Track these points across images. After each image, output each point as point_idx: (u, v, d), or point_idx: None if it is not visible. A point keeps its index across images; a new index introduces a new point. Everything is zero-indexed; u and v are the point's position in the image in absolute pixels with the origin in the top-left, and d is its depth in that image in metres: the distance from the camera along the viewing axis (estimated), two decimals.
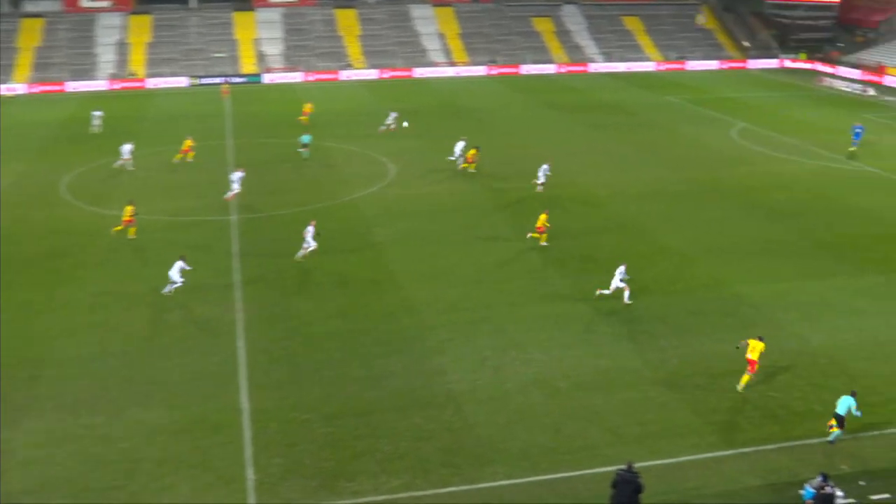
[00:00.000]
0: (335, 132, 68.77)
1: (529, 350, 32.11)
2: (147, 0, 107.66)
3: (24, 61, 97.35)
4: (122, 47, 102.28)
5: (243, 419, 27.44)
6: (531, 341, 32.81)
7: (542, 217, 42.96)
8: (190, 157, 58.86)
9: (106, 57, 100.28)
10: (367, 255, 41.83)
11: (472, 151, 56.96)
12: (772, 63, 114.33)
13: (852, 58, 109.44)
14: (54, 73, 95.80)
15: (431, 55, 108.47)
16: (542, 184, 51.76)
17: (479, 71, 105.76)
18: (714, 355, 31.84)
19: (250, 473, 24.75)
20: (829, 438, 26.30)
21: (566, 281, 38.83)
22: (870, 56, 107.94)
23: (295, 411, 27.92)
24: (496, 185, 54.21)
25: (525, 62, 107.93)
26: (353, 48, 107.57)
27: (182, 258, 36.77)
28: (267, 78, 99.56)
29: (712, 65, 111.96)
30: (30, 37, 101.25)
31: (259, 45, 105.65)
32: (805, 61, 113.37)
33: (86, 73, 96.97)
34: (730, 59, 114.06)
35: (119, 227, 43.37)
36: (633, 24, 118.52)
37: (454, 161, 57.62)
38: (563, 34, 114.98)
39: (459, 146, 57.92)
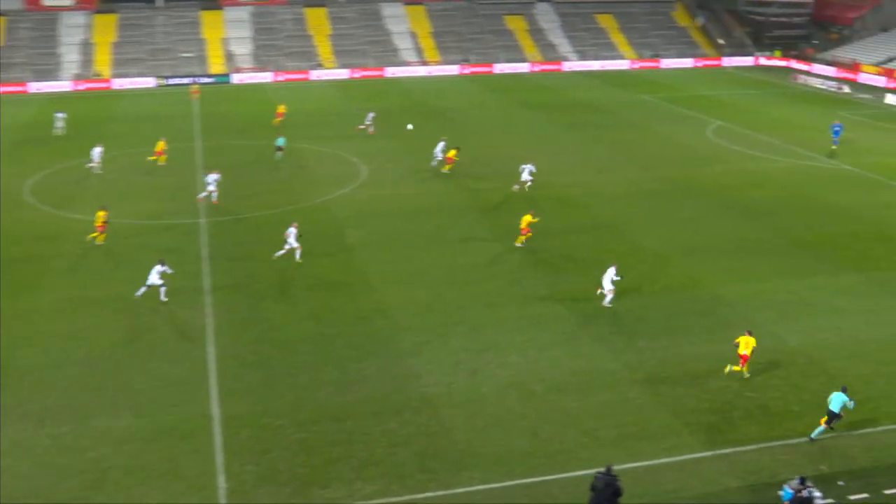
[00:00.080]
0: (306, 133, 68.53)
1: (505, 352, 32.12)
2: None
3: None
4: (87, 47, 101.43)
5: (214, 426, 27.24)
6: (507, 343, 32.82)
7: (527, 218, 43.03)
8: (162, 160, 58.22)
9: (70, 57, 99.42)
10: (340, 257, 41.70)
11: (453, 152, 57.02)
12: (747, 61, 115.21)
13: (827, 55, 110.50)
14: (16, 74, 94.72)
15: (403, 54, 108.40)
16: (525, 183, 51.71)
17: (452, 70, 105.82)
18: (692, 356, 31.99)
19: (222, 481, 24.56)
20: (812, 435, 26.58)
21: (542, 282, 38.88)
22: (844, 53, 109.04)
23: (267, 417, 27.76)
24: (471, 185, 54.24)
25: (498, 61, 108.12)
26: (324, 48, 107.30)
27: (161, 262, 36.51)
28: (236, 78, 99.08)
29: (687, 63, 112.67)
30: None
31: (227, 44, 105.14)
32: (780, 59, 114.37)
33: (49, 73, 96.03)
34: (704, 57, 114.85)
35: (94, 234, 42.92)
36: (606, 21, 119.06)
37: (439, 163, 57.72)
38: (536, 32, 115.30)
39: (440, 146, 57.98)
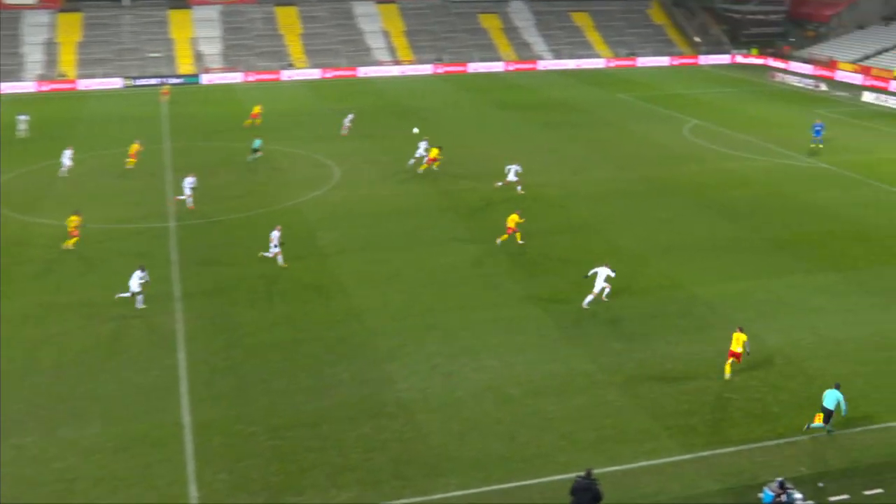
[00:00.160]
0: (278, 134, 68.30)
1: (481, 356, 32.16)
2: None
3: None
4: (51, 47, 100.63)
5: (185, 434, 27.10)
6: (483, 347, 32.86)
7: (513, 217, 43.13)
8: (131, 163, 57.77)
9: (33, 57, 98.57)
10: (312, 260, 41.59)
11: (435, 151, 57.12)
12: (723, 59, 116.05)
13: (804, 53, 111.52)
14: None
15: (376, 54, 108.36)
16: (511, 183, 51.77)
17: (426, 70, 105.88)
18: (670, 357, 32.17)
19: (193, 490, 24.42)
20: (806, 427, 26.97)
21: (518, 284, 38.97)
22: (821, 51, 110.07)
23: (239, 424, 27.64)
24: (446, 186, 54.29)
25: (472, 60, 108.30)
26: (295, 47, 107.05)
27: (141, 267, 36.30)
28: (205, 78, 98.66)
29: (663, 61, 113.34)
30: None
31: (196, 44, 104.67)
32: (757, 57, 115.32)
33: (11, 74, 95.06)
34: (681, 55, 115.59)
35: (69, 240, 42.55)
36: (582, 19, 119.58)
37: (416, 162, 57.79)
38: (510, 31, 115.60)
39: (422, 146, 58.06)
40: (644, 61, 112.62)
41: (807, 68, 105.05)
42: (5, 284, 38.63)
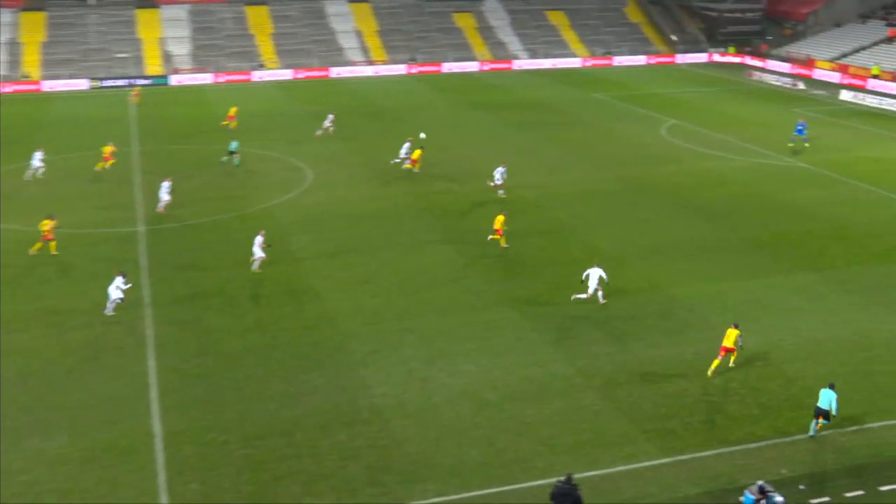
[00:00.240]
0: (249, 136, 67.95)
1: (457, 360, 32.16)
2: None
3: None
4: (14, 47, 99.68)
5: (155, 443, 26.92)
6: (459, 351, 32.87)
7: (500, 218, 43.24)
8: (100, 166, 57.18)
9: None
10: (285, 265, 41.43)
11: (418, 152, 57.17)
12: (700, 57, 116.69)
13: (781, 51, 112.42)
14: None
15: (349, 54, 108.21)
16: (499, 185, 51.81)
17: (399, 70, 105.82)
18: (649, 360, 32.30)
19: (164, 501, 24.27)
20: (811, 433, 27.26)
21: (494, 287, 39.01)
22: (798, 49, 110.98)
23: (211, 433, 27.50)
24: (420, 188, 54.28)
25: (447, 60, 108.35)
26: (266, 47, 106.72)
27: (121, 273, 36.10)
28: (174, 79, 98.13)
29: (640, 60, 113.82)
30: None
31: (165, 44, 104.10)
32: (734, 55, 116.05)
33: None
34: (657, 54, 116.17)
35: (39, 246, 42.15)
36: (557, 18, 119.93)
37: (399, 163, 57.86)
38: (485, 30, 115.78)
39: (405, 147, 58.11)
40: (620, 60, 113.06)
41: (784, 67, 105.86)
42: None
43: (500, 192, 51.72)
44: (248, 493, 24.66)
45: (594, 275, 36.59)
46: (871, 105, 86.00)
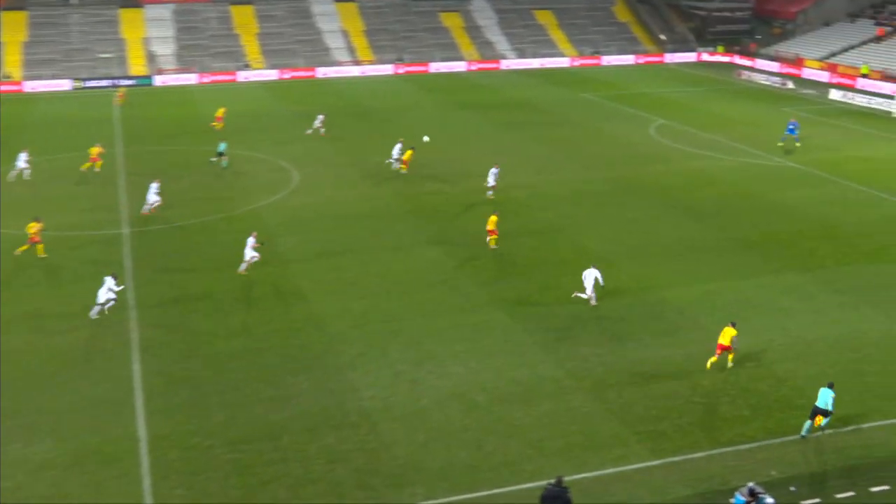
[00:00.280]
0: (235, 137, 67.73)
1: (445, 363, 32.16)
2: None
3: None
4: None
5: (140, 448, 26.83)
6: (447, 353, 32.86)
7: (493, 218, 43.33)
8: (86, 167, 56.97)
9: None
10: (271, 267, 41.33)
11: (409, 153, 57.24)
12: (689, 57, 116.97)
13: (770, 50, 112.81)
14: None
15: (335, 54, 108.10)
16: (493, 187, 51.88)
17: (386, 70, 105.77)
18: (639, 361, 32.35)
19: None
20: (821, 424, 27.42)
21: (483, 288, 39.03)
22: (787, 48, 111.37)
23: (197, 437, 27.43)
24: (407, 189, 54.26)
25: (434, 60, 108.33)
26: (251, 47, 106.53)
27: (113, 275, 36.00)
28: (159, 80, 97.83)
29: (628, 59, 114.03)
30: None
31: (149, 44, 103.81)
32: (723, 54, 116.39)
33: None
34: (646, 53, 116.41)
35: (25, 248, 41.96)
36: (545, 17, 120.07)
37: (391, 163, 57.93)
38: (472, 30, 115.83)
39: (397, 148, 58.19)
40: (609, 60, 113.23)
41: (773, 66, 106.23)
42: None
43: (489, 192, 51.75)
44: (235, 497, 24.60)
45: (590, 276, 36.74)
46: (861, 104, 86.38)
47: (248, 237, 40.67)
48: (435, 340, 33.92)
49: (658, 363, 32.19)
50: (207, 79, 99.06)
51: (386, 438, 27.46)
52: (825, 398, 27.08)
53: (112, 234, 45.97)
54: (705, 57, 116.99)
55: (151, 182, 49.22)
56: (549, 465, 25.63)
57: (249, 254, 40.16)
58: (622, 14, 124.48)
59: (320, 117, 70.06)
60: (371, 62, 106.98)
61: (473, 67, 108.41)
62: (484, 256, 42.74)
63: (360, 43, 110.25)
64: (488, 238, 43.44)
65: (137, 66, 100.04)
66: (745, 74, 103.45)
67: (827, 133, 71.82)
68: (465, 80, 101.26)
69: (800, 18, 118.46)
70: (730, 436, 27.65)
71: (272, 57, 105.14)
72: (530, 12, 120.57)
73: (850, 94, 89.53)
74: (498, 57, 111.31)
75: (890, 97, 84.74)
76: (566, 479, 23.27)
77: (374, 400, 29.66)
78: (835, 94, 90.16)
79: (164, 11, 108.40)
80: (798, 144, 65.13)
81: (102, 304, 35.39)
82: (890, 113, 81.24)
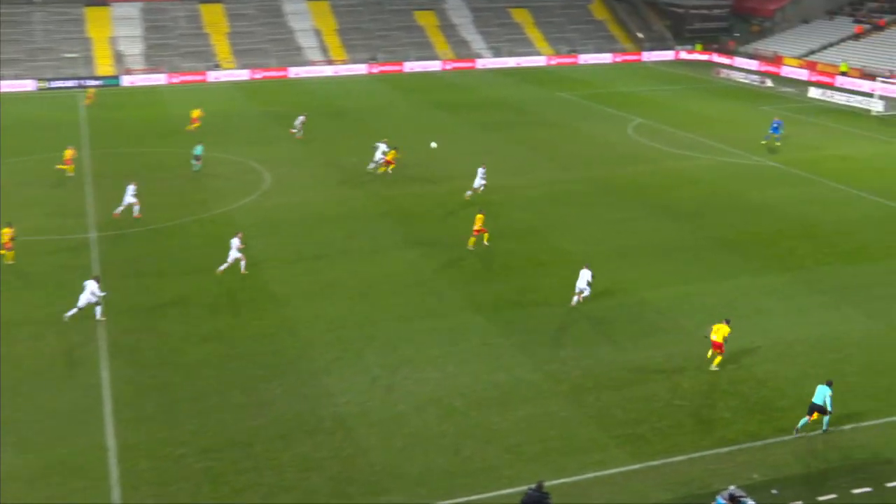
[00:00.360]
0: (206, 138, 67.38)
1: (422, 367, 32.14)
2: None
3: None
4: None
5: (109, 458, 26.62)
6: (423, 358, 32.84)
7: (479, 217, 43.47)
8: (62, 168, 56.62)
9: None
10: (242, 271, 41.14)
11: (392, 153, 57.21)
12: (667, 55, 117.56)
13: (749, 48, 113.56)
14: None
15: (307, 53, 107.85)
16: (480, 187, 51.88)
17: (360, 69, 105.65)
18: (618, 364, 32.45)
19: None
20: (824, 427, 27.86)
21: (459, 292, 39.03)
22: (766, 46, 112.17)
23: (168, 446, 27.25)
24: (381, 190, 54.20)
25: (408, 59, 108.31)
26: (222, 47, 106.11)
27: (95, 278, 35.70)
28: (126, 80, 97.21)
29: (606, 58, 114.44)
30: None
31: (116, 44, 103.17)
32: (701, 52, 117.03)
33: None
34: (623, 51, 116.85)
35: (2, 252, 41.60)
36: (521, 16, 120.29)
37: (375, 166, 57.96)
38: (447, 28, 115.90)
39: (381, 148, 58.24)
40: (586, 58, 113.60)
41: (752, 64, 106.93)
42: None
43: (469, 193, 51.78)
44: None
45: (583, 276, 36.96)
46: (840, 102, 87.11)
47: (231, 238, 40.58)
48: (411, 344, 33.89)
49: (637, 365, 32.30)
50: (177, 79, 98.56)
51: (362, 445, 27.40)
52: (822, 395, 27.34)
53: (80, 238, 45.61)
54: (683, 55, 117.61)
55: (128, 184, 48.83)
56: (528, 471, 25.65)
57: (234, 255, 39.95)
58: (599, 12, 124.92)
59: (301, 118, 69.90)
60: (344, 62, 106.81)
61: (448, 67, 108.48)
62: (461, 258, 42.74)
63: (333, 42, 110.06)
64: (475, 237, 43.54)
65: (104, 66, 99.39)
66: (724, 73, 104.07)
67: (806, 131, 72.35)
68: (440, 79, 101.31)
69: (778, 16, 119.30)
70: (710, 439, 27.78)
71: (243, 57, 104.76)
72: (506, 10, 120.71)
73: (829, 92, 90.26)
74: (473, 56, 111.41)
75: (869, 95, 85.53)
76: (546, 484, 23.28)
77: (350, 406, 29.59)
78: (814, 93, 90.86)
79: (132, 10, 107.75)
80: (778, 144, 65.58)
81: (94, 304, 35.10)
82: (869, 111, 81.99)
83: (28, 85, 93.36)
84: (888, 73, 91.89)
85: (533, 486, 22.78)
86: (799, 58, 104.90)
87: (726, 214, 49.68)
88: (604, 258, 42.89)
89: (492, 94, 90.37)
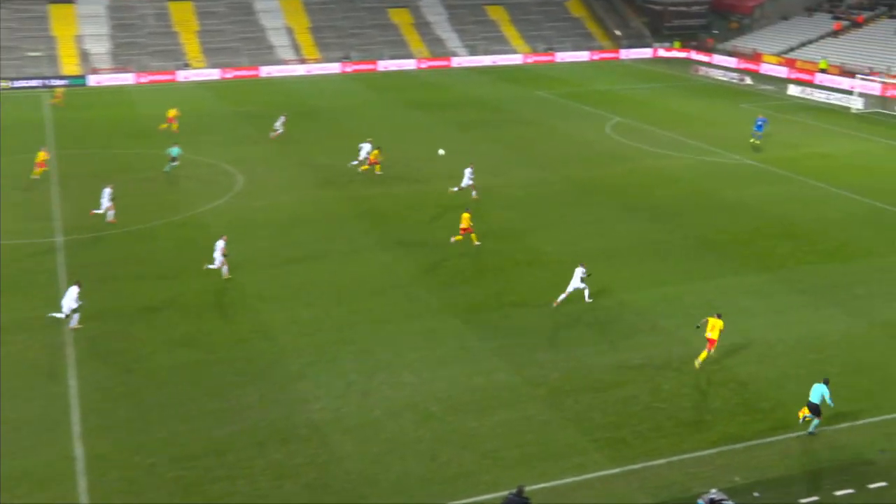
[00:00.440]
0: (177, 139, 67.20)
1: (398, 372, 32.11)
2: None
3: None
4: None
5: (77, 468, 26.42)
6: (400, 362, 32.82)
7: (466, 216, 43.77)
8: (37, 173, 56.16)
9: None
10: (215, 275, 40.96)
11: (375, 152, 57.25)
12: (645, 53, 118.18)
13: (727, 45, 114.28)
14: None
15: (279, 52, 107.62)
16: (466, 187, 51.98)
17: (333, 68, 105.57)
18: (597, 367, 32.52)
19: None
20: (810, 429, 27.93)
21: (435, 295, 39.03)
22: (745, 43, 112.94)
23: (138, 455, 27.08)
24: (356, 192, 54.13)
25: (382, 57, 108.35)
26: (192, 45, 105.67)
27: (77, 283, 35.41)
28: (93, 80, 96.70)
29: (583, 56, 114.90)
30: None
31: (81, 42, 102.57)
32: (679, 50, 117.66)
33: None
34: (601, 49, 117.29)
35: None
36: (497, 13, 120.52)
37: (357, 165, 58.09)
38: (422, 26, 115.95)
39: (366, 148, 58.28)
40: (563, 56, 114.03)
41: (731, 61, 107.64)
42: None
43: (454, 188, 51.88)
44: None
45: (576, 274, 37.33)
46: (819, 100, 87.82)
47: (218, 240, 40.48)
48: (387, 349, 33.87)
49: (616, 368, 32.39)
50: (145, 78, 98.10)
51: (337, 452, 27.35)
52: (818, 393, 27.59)
53: (47, 242, 45.26)
54: (661, 53, 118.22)
55: (104, 187, 48.44)
56: (507, 476, 25.68)
57: (219, 259, 39.80)
58: (576, 9, 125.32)
59: (282, 118, 69.75)
60: (317, 60, 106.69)
61: (424, 65, 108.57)
62: (439, 260, 42.74)
63: (306, 40, 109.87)
64: (461, 235, 43.78)
65: (70, 66, 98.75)
66: (702, 70, 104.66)
67: (786, 129, 72.87)
68: (415, 78, 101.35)
69: (757, 13, 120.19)
70: (691, 441, 27.89)
71: (213, 55, 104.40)
72: (481, 8, 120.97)
73: (808, 90, 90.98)
74: (449, 54, 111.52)
75: (848, 92, 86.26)
76: (525, 489, 23.35)
77: (325, 412, 29.53)
78: (793, 90, 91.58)
79: (98, 7, 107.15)
80: (757, 142, 65.99)
81: (73, 310, 34.88)
82: (849, 108, 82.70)
83: None
84: (867, 70, 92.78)
85: (513, 490, 22.83)
86: (778, 55, 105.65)
87: (706, 214, 49.95)
88: (582, 259, 42.84)
89: (468, 93, 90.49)
